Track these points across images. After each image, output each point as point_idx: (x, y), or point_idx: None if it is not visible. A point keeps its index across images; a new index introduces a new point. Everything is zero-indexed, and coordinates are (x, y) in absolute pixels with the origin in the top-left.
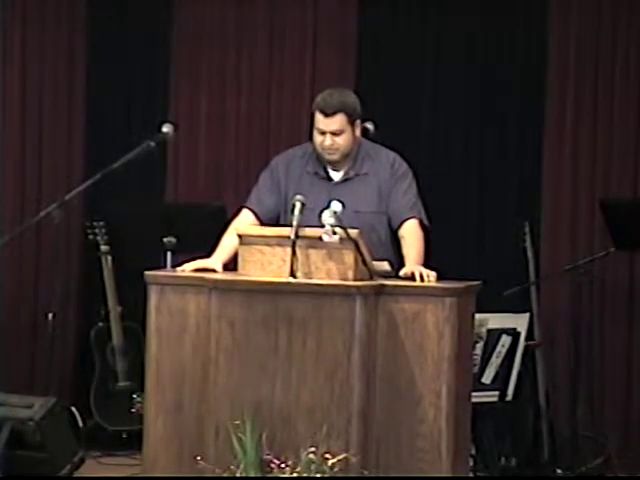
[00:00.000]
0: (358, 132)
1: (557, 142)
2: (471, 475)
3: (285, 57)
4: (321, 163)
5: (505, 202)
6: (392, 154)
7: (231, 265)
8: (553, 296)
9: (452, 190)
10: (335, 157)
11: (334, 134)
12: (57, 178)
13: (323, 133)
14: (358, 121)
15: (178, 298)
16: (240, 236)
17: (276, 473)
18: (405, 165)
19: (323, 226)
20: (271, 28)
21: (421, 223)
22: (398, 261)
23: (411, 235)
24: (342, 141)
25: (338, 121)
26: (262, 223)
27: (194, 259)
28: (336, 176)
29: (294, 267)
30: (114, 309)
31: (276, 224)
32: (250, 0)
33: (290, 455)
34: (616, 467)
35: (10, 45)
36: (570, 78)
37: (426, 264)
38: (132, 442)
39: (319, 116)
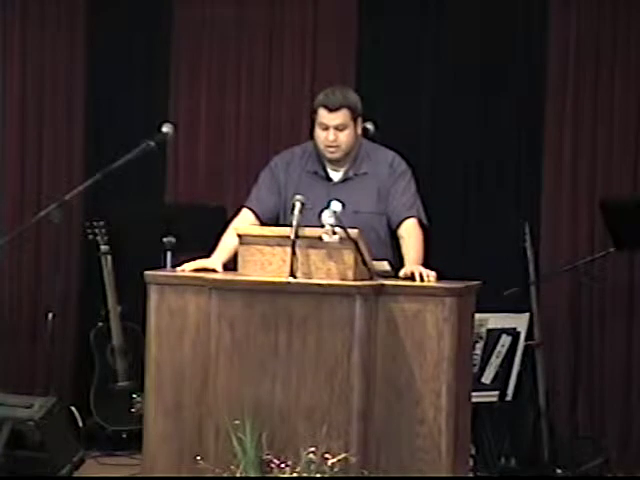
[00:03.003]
0: (359, 130)
1: (557, 142)
2: (471, 475)
3: (285, 57)
4: (321, 162)
5: (505, 202)
6: (391, 154)
7: (231, 265)
8: (553, 296)
9: (452, 190)
10: (337, 155)
11: (337, 129)
12: (57, 178)
13: (326, 128)
14: (360, 119)
15: (178, 298)
16: (240, 236)
17: (276, 473)
18: (404, 164)
19: (323, 226)
20: (271, 28)
21: (420, 222)
22: (398, 261)
23: (410, 235)
24: (345, 137)
25: (342, 116)
26: (262, 223)
27: (194, 259)
28: (335, 176)
29: (294, 267)
30: (114, 309)
31: (276, 223)
32: (250, 0)
33: (290, 455)
34: (615, 467)
35: (10, 45)
36: (570, 78)
37: (426, 264)
38: (132, 442)
39: (323, 112)
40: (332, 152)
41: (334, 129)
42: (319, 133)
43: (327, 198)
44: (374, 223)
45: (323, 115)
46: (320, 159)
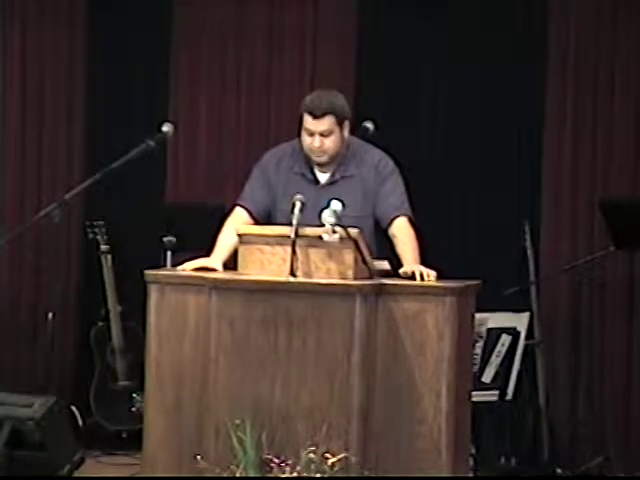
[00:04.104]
0: (346, 133)
1: (557, 142)
2: (471, 475)
3: (285, 57)
4: (308, 164)
5: (505, 202)
6: (378, 154)
7: (230, 264)
8: (553, 296)
9: (452, 190)
10: (323, 159)
11: (323, 135)
12: (57, 178)
13: (312, 134)
14: (347, 122)
15: (178, 298)
16: (240, 235)
17: (276, 473)
18: (391, 164)
19: (317, 226)
20: (271, 28)
21: (411, 221)
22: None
23: (403, 234)
24: (330, 142)
25: (327, 122)
26: (256, 220)
27: (194, 258)
28: (322, 178)
29: (294, 266)
30: (114, 309)
31: (268, 221)
32: (250, 0)
33: (290, 455)
34: (616, 467)
35: (10, 45)
36: (570, 78)
37: (424, 263)
38: (132, 442)
39: (308, 117)
40: (318, 156)
41: (319, 135)
42: (305, 138)
43: (314, 201)
44: (358, 226)
45: (308, 121)
46: (308, 160)
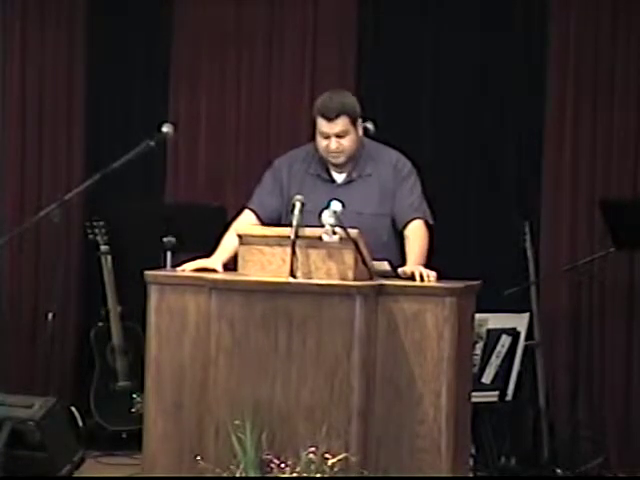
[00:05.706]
0: (360, 131)
1: (557, 142)
2: (471, 475)
3: (285, 57)
4: (324, 165)
5: (505, 202)
6: (395, 154)
7: (231, 265)
8: (553, 296)
9: (452, 190)
10: (341, 160)
11: (339, 136)
12: (57, 178)
13: (327, 137)
14: (359, 120)
15: (178, 298)
16: (240, 236)
17: (276, 473)
18: (409, 164)
19: (324, 226)
20: (271, 28)
21: (426, 223)
22: (403, 263)
23: (415, 235)
24: (347, 142)
25: (341, 123)
26: (263, 224)
27: (194, 259)
28: (339, 178)
29: (294, 267)
30: (114, 309)
31: (277, 225)
32: (250, 0)
33: (290, 455)
34: (616, 467)
35: (10, 45)
36: (570, 78)
37: (427, 264)
38: (132, 442)
39: (322, 121)
40: (336, 157)
41: (335, 137)
42: (320, 141)
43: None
44: (376, 225)
45: (322, 124)
46: (323, 161)
